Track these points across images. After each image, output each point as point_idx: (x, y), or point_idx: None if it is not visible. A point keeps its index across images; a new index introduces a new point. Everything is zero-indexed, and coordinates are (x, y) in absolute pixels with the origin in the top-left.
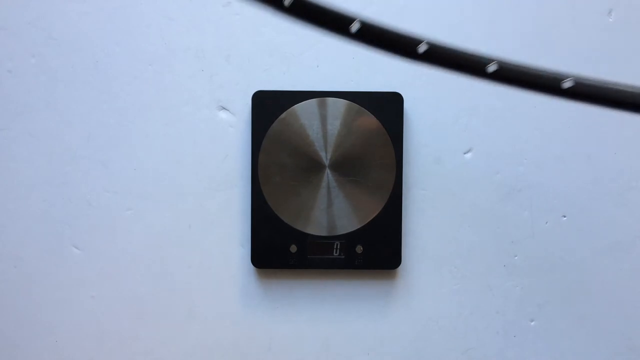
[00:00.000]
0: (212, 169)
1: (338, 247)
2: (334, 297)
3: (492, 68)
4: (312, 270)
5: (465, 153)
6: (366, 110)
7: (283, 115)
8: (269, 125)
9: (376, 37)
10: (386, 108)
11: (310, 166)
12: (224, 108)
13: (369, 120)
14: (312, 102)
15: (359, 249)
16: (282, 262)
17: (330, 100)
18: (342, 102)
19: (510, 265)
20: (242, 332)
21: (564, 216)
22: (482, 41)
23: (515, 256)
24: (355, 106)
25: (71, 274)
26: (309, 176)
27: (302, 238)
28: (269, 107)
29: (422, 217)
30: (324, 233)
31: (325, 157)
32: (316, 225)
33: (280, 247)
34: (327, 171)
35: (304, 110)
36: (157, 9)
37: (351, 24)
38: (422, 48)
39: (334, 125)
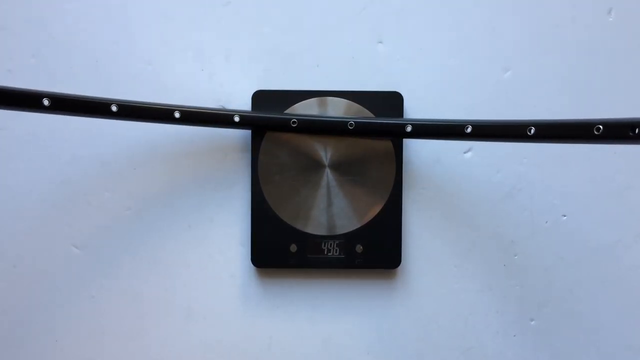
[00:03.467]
0: (212, 168)
1: (338, 246)
2: (334, 297)
3: (469, 130)
4: (312, 270)
5: (465, 152)
6: (366, 110)
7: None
8: None
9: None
10: (386, 108)
11: (310, 166)
12: (223, 107)
13: None
14: (312, 102)
15: (359, 248)
16: (282, 262)
17: (330, 99)
18: (342, 102)
19: (510, 265)
20: (242, 332)
21: (564, 216)
22: (481, 41)
23: (515, 256)
24: (355, 106)
25: (71, 274)
26: (309, 176)
27: (302, 237)
28: (269, 106)
29: (422, 217)
30: (323, 232)
31: (325, 156)
32: (316, 224)
33: (280, 247)
34: (327, 170)
35: (304, 110)
36: (157, 8)
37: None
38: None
39: None
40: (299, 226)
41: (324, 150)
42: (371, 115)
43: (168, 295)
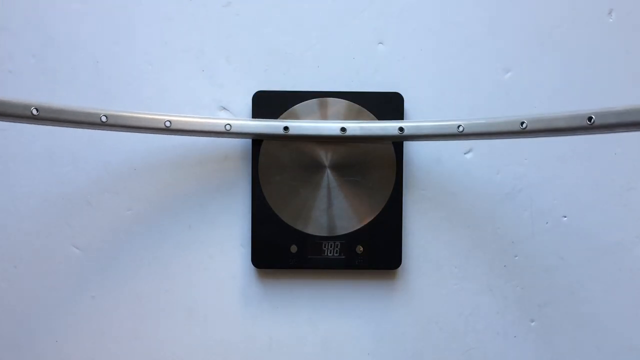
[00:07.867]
0: (212, 169)
1: (338, 247)
2: (334, 297)
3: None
4: (313, 271)
5: (465, 153)
6: (366, 110)
7: (283, 115)
8: None
9: None
10: (386, 108)
11: (311, 166)
12: (224, 108)
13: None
14: (313, 102)
15: (359, 249)
16: (282, 262)
17: (330, 100)
18: (342, 102)
19: (511, 266)
20: (242, 332)
21: (564, 216)
22: (482, 41)
23: (516, 256)
24: (356, 106)
25: (71, 274)
26: (309, 176)
27: (303, 238)
28: (269, 107)
29: (422, 217)
30: (324, 233)
31: (326, 157)
32: (316, 225)
33: (280, 247)
34: (327, 171)
35: (305, 111)
36: (157, 9)
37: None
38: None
39: None
40: (299, 227)
41: (325, 151)
42: (372, 116)
43: (168, 295)
